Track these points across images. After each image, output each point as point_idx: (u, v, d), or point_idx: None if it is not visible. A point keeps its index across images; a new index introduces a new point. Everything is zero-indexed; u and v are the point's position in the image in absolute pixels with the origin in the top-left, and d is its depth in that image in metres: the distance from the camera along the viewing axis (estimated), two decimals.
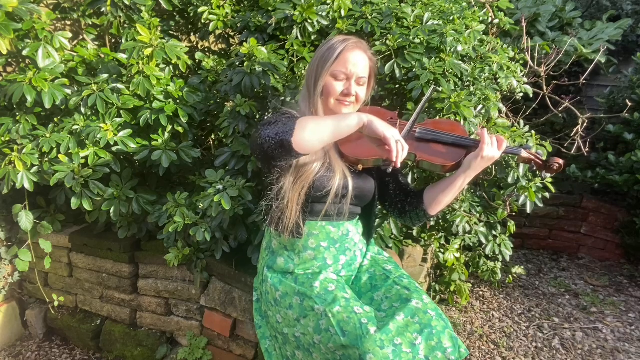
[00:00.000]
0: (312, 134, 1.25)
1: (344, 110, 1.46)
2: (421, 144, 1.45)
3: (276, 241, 1.53)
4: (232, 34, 2.46)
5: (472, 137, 1.81)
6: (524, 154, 1.43)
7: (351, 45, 1.43)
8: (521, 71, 2.33)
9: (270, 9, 2.14)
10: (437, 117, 1.88)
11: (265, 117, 1.62)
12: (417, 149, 1.43)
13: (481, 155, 1.37)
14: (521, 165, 1.93)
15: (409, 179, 1.98)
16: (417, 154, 1.42)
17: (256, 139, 1.30)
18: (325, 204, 1.43)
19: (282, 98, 1.94)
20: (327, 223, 1.48)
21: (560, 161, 1.39)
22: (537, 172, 1.49)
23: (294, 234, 1.44)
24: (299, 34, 2.05)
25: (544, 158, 1.44)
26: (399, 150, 1.23)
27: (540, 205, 2.01)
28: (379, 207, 2.03)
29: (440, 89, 1.90)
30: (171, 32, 2.52)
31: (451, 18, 2.08)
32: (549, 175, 1.46)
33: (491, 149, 1.37)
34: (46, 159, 1.89)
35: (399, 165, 1.22)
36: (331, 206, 1.44)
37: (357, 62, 1.43)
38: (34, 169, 1.90)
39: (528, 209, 2.02)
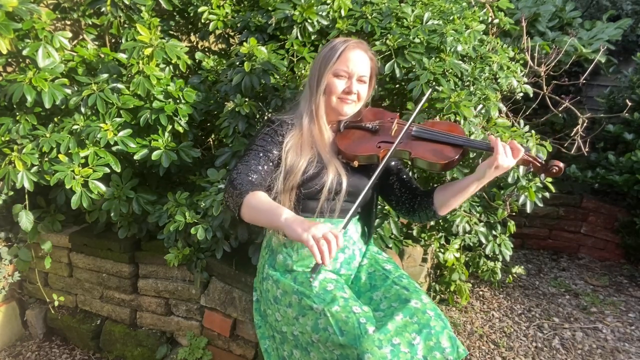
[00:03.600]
0: (251, 218, 1.30)
1: (347, 108, 1.52)
2: (416, 142, 1.46)
3: (275, 238, 1.54)
4: (232, 33, 2.46)
5: (472, 137, 1.81)
6: (523, 156, 1.40)
7: (352, 45, 1.49)
8: (521, 71, 2.33)
9: (270, 8, 2.14)
10: (437, 118, 1.89)
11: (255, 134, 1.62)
12: (411, 146, 1.44)
13: (495, 164, 1.33)
14: (521, 165, 1.93)
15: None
16: (411, 152, 1.43)
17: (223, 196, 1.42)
18: (319, 200, 1.44)
19: (282, 97, 1.95)
20: (326, 220, 1.48)
21: (561, 165, 1.36)
22: (536, 175, 1.47)
23: None
24: (299, 34, 2.05)
25: (544, 160, 1.41)
26: (323, 250, 1.07)
27: (540, 205, 2.01)
28: (386, 207, 2.04)
29: (440, 88, 1.90)
30: (171, 32, 2.52)
31: (451, 18, 2.08)
32: (547, 178, 1.44)
33: (505, 159, 1.33)
34: (46, 159, 1.89)
35: (327, 264, 1.07)
36: (325, 203, 1.45)
37: (358, 60, 1.48)
38: (34, 168, 1.90)
39: (528, 209, 2.02)
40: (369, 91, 1.58)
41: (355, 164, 1.47)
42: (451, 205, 1.47)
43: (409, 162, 1.48)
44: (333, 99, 1.50)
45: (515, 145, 1.35)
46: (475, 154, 1.89)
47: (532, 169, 1.41)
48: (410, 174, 2.00)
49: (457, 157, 1.40)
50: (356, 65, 1.48)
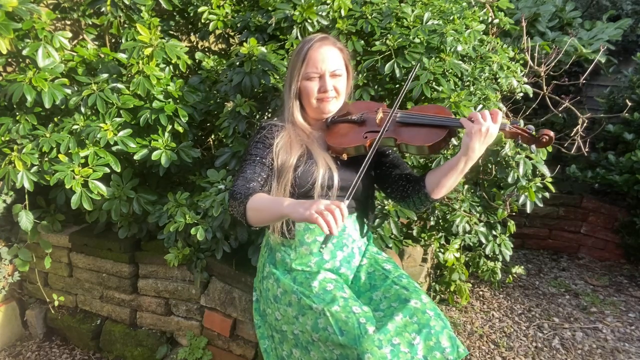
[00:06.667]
0: (258, 219, 1.33)
1: (329, 106, 1.52)
2: (401, 128, 1.44)
3: (274, 237, 1.54)
4: (232, 34, 2.46)
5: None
6: (510, 128, 1.35)
7: (316, 44, 1.48)
8: (521, 71, 2.33)
9: (270, 8, 2.14)
10: None
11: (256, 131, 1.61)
12: (397, 133, 1.43)
13: (474, 130, 1.27)
14: (521, 165, 1.92)
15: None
16: (397, 138, 1.42)
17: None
18: (313, 197, 1.44)
19: (282, 97, 1.94)
20: None
21: (551, 133, 1.32)
22: (525, 146, 1.42)
23: (285, 233, 1.47)
24: (299, 34, 2.05)
25: (532, 131, 1.35)
26: (329, 220, 1.08)
27: (540, 205, 2.01)
28: (387, 206, 2.03)
29: (440, 88, 1.90)
30: (171, 32, 2.52)
31: (451, 18, 2.08)
32: (538, 149, 1.39)
33: (485, 123, 1.27)
34: (46, 159, 1.89)
35: (335, 233, 1.08)
36: (319, 199, 1.44)
37: (325, 57, 1.47)
38: (34, 168, 1.91)
39: (528, 209, 2.02)
40: (347, 83, 1.57)
41: (345, 156, 1.47)
42: (443, 185, 1.40)
43: (397, 149, 1.46)
44: (313, 102, 1.50)
45: (494, 110, 1.31)
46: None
47: (520, 141, 1.37)
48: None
49: (442, 137, 1.37)
50: (324, 62, 1.47)
